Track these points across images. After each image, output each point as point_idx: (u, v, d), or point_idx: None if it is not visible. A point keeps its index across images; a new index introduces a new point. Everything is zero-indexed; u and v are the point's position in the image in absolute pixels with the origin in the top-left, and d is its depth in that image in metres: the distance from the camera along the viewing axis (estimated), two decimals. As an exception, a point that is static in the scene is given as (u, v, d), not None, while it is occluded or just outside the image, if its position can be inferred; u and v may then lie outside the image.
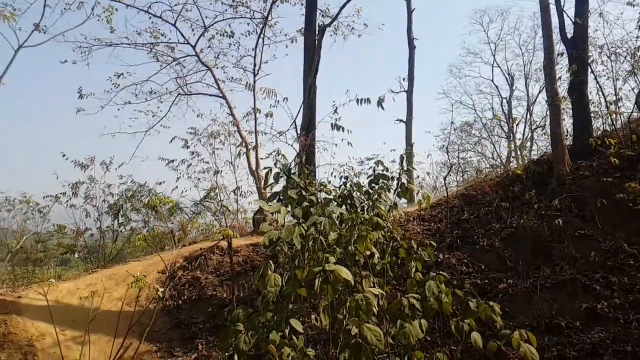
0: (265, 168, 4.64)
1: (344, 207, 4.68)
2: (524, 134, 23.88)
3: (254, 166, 9.30)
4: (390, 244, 4.54)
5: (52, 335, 6.50)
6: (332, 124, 7.53)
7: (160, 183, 12.66)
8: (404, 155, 5.49)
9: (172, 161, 11.95)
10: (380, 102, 9.22)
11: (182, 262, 8.65)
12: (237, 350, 3.03)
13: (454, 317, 3.57)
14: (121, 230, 12.04)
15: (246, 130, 10.27)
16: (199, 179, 13.14)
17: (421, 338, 3.26)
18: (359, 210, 4.64)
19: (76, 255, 10.79)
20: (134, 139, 11.77)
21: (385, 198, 4.84)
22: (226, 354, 3.16)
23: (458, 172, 13.16)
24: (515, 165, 9.49)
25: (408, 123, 12.84)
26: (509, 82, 24.82)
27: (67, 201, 10.79)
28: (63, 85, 41.38)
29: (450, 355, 3.47)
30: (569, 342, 4.99)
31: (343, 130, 7.59)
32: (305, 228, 3.96)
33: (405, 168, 5.41)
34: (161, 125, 11.25)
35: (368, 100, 7.77)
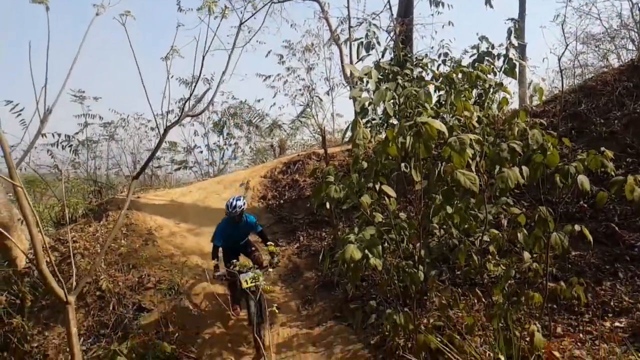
0: (356, 40, 4.44)
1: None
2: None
3: (346, 59, 9.03)
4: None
5: (169, 227, 7.17)
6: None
7: (259, 100, 12.96)
8: (512, 29, 4.93)
9: (269, 77, 12.04)
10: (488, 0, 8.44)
11: (282, 167, 8.96)
12: (329, 198, 3.05)
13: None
14: (226, 147, 12.67)
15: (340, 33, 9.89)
16: (295, 95, 13.27)
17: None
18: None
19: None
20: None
21: (490, 81, 4.43)
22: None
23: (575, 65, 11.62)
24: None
25: (520, 21, 11.56)
26: (641, -17, 21.17)
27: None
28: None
29: (553, 212, 3.21)
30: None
31: (443, 6, 7.00)
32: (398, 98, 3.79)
33: (513, 43, 4.89)
34: (257, 41, 11.23)
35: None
